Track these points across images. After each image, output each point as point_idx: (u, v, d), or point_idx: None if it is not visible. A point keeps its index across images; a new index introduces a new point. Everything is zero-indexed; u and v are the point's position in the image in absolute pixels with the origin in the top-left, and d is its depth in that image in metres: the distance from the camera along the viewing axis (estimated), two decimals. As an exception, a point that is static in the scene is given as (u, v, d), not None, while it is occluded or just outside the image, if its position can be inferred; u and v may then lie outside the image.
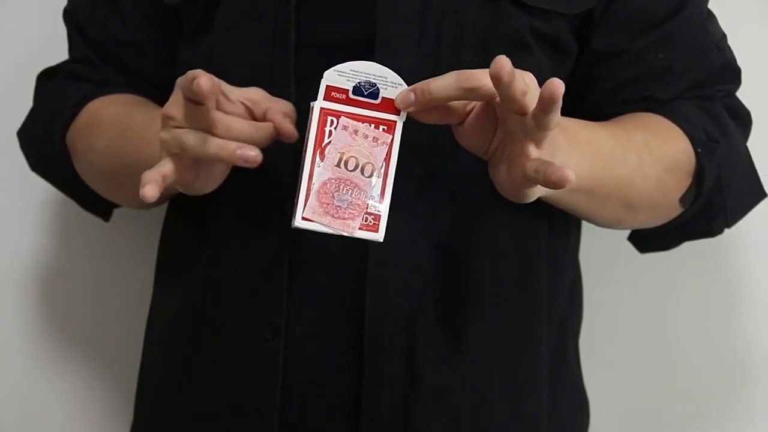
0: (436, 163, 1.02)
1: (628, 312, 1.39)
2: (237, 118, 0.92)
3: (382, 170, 0.91)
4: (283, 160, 1.00)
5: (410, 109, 0.91)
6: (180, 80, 0.92)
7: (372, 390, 1.02)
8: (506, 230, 1.05)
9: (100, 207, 1.22)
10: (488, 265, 1.04)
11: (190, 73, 0.90)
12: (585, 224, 1.17)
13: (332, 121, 0.91)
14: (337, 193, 0.91)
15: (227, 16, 1.04)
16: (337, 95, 0.92)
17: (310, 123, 0.91)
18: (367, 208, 0.91)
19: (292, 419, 1.04)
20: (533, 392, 1.08)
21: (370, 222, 0.91)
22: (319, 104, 0.91)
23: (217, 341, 1.06)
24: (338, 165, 0.91)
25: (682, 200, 1.07)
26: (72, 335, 1.47)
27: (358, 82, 0.92)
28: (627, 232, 1.21)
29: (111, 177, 1.12)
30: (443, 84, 0.89)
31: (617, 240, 1.25)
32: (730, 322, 1.38)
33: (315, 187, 0.90)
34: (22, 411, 1.46)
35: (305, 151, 0.91)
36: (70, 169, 1.16)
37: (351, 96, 0.92)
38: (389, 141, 0.91)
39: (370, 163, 0.91)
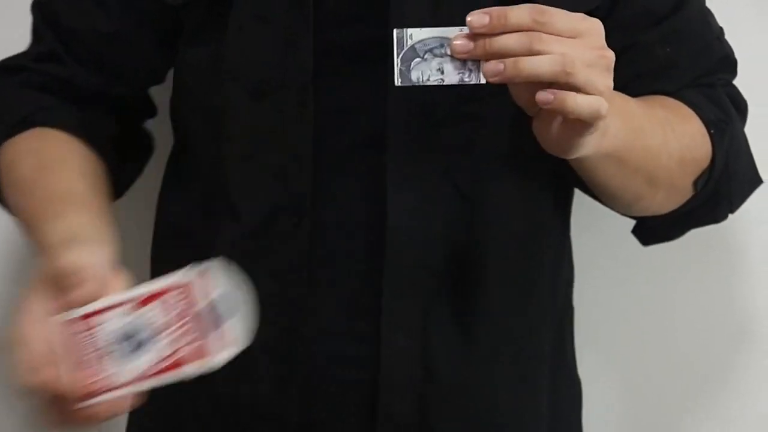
0: (450, 162, 1.01)
1: (623, 307, 1.40)
2: None
3: None
4: (296, 166, 1.00)
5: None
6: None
7: (388, 389, 1.02)
8: (518, 228, 1.06)
9: None
10: (500, 262, 1.05)
11: None
12: (579, 220, 1.18)
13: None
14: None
15: (238, 17, 1.03)
16: None
17: None
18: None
19: (307, 419, 1.04)
20: (539, 387, 1.10)
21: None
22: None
23: None
24: None
25: (695, 183, 1.08)
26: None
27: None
28: (621, 228, 1.21)
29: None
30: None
31: (612, 236, 1.25)
32: (725, 319, 1.40)
33: None
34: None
35: None
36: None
37: None
38: None
39: None
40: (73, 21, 1.11)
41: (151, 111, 1.19)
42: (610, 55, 0.90)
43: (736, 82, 1.15)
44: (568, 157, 0.94)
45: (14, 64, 1.15)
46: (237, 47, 1.03)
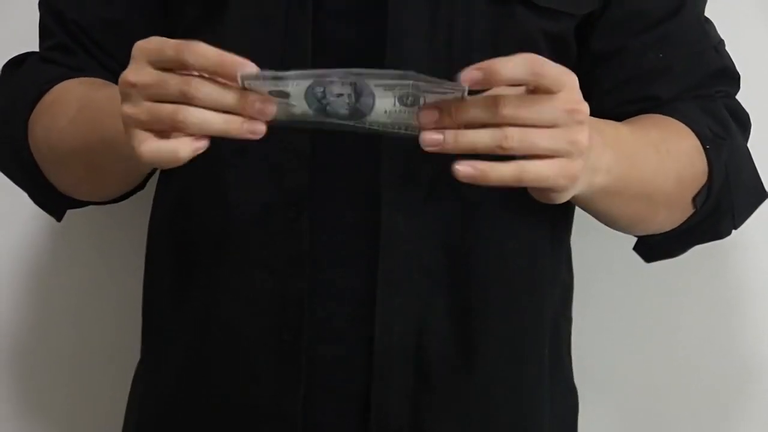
0: (445, 165, 1.01)
1: (622, 313, 1.40)
2: (219, 87, 0.87)
3: None
4: (294, 161, 1.00)
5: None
6: (151, 47, 0.88)
7: (381, 393, 1.02)
8: (515, 232, 1.05)
9: (53, 203, 1.16)
10: (497, 267, 1.04)
11: (171, 42, 0.87)
12: (578, 225, 1.17)
13: None
14: None
15: (236, 14, 1.03)
16: None
17: None
18: None
19: (303, 420, 1.03)
20: (537, 394, 1.09)
21: None
22: None
23: (236, 345, 1.04)
24: None
25: (694, 200, 1.07)
26: (58, 340, 1.46)
27: None
28: (623, 234, 1.21)
29: (71, 158, 1.07)
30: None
31: (612, 241, 1.25)
32: (726, 323, 1.39)
33: None
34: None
35: None
36: (27, 156, 1.10)
37: None
38: None
39: None
40: (78, 12, 1.11)
41: None
42: (584, 108, 0.90)
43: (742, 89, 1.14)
44: (555, 203, 0.94)
45: (22, 55, 1.15)
46: (235, 44, 1.02)
